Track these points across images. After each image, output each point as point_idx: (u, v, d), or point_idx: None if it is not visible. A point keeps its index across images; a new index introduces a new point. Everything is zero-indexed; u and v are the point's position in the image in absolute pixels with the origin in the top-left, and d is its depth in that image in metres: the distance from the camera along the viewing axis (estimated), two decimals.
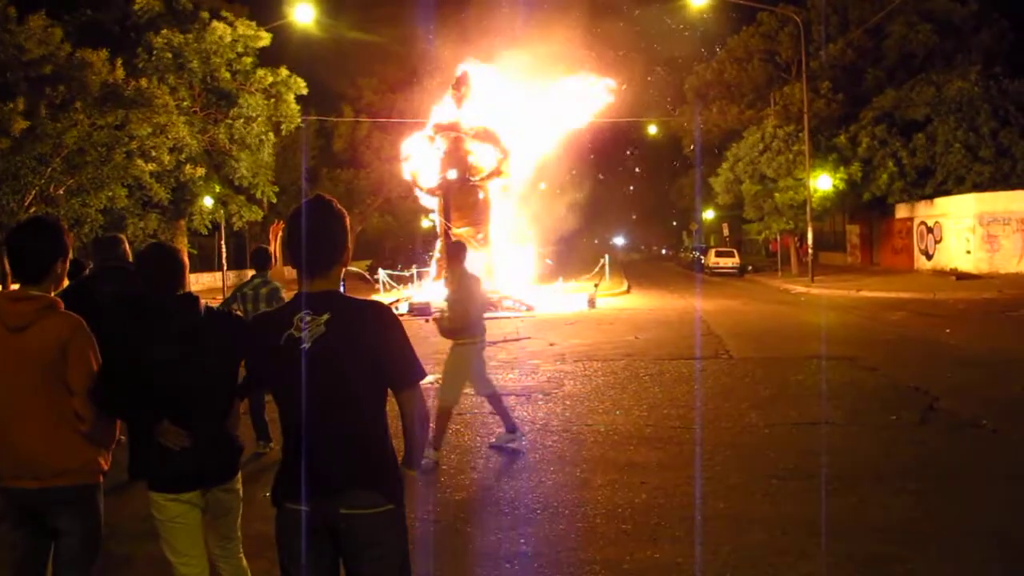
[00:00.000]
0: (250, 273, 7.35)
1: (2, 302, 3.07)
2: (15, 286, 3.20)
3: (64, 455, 3.02)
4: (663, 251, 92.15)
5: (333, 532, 2.44)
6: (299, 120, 28.26)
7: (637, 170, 73.33)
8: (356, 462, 2.45)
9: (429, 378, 6.46)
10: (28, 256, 3.07)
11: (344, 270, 2.64)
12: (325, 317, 2.45)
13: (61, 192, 19.34)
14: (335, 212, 2.56)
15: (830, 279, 28.32)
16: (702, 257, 43.35)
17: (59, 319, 3.05)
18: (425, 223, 34.71)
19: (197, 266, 33.75)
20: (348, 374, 2.43)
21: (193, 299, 3.21)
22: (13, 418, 3.00)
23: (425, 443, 2.66)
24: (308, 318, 2.45)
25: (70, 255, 3.25)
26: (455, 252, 6.94)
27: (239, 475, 3.25)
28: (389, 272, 28.72)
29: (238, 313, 6.95)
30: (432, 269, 26.61)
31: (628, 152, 41.97)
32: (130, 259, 6.54)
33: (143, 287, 3.25)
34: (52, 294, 3.17)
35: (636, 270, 47.00)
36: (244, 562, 3.31)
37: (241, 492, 3.27)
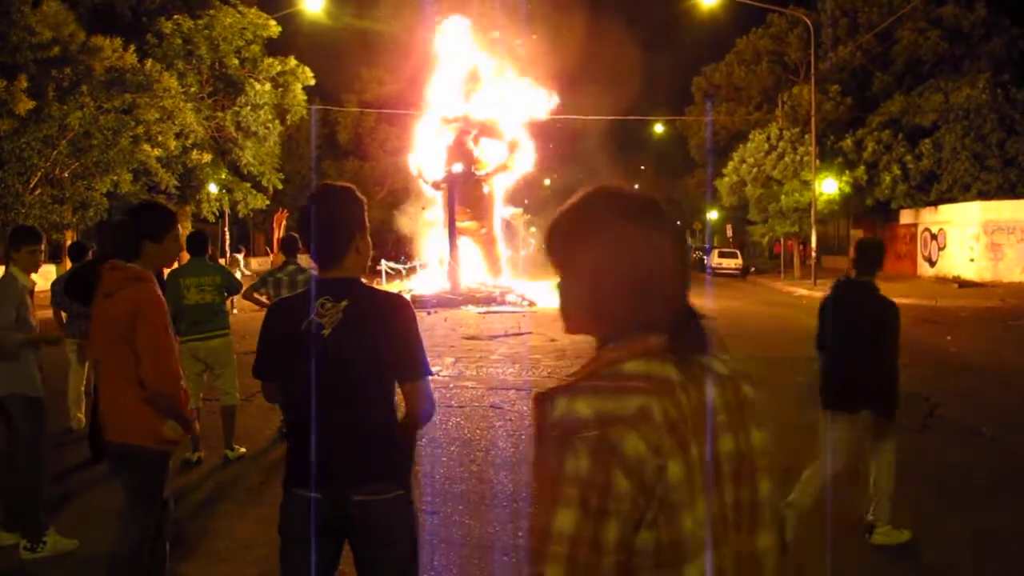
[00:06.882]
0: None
1: (104, 271, 3.34)
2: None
3: (123, 416, 3.24)
4: None
5: (343, 519, 2.42)
6: (305, 110, 28.26)
7: (642, 168, 73.24)
8: (370, 450, 2.43)
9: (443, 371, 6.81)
10: (124, 237, 3.35)
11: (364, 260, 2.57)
12: (344, 304, 2.42)
13: (66, 175, 19.36)
14: (345, 199, 2.50)
15: (833, 283, 28.24)
16: (705, 257, 43.28)
17: (138, 287, 3.22)
18: (428, 215, 34.74)
19: None
20: (364, 362, 2.42)
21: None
22: (102, 377, 3.38)
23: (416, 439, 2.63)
24: (328, 304, 2.43)
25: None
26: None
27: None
28: (392, 264, 28.70)
29: (263, 300, 6.94)
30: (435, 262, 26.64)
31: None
32: None
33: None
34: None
35: None
36: None
37: None
